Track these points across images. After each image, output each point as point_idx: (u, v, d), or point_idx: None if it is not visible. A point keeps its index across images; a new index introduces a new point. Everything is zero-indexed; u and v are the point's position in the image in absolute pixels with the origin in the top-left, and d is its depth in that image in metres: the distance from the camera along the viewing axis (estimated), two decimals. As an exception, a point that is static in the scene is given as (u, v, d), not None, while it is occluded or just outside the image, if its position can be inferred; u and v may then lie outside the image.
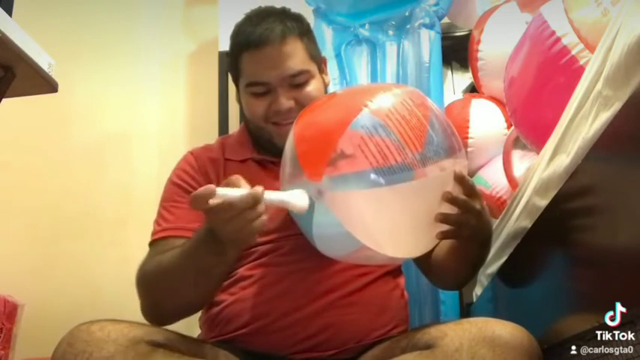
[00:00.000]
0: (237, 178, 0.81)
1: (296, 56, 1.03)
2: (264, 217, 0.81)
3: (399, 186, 0.80)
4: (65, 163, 2.53)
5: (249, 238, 0.84)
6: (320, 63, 1.10)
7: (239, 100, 1.11)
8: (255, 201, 0.78)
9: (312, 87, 1.05)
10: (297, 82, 1.03)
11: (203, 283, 0.96)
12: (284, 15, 1.06)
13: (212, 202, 0.76)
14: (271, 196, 0.80)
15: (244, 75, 1.05)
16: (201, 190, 0.76)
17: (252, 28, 1.03)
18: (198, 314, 1.09)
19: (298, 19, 1.08)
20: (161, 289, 0.96)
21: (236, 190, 0.78)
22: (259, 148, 1.12)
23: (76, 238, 2.44)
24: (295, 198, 0.82)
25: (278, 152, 0.94)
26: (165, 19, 2.71)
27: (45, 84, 1.45)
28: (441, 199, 0.84)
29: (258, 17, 1.05)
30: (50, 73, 1.45)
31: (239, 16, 1.13)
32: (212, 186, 0.77)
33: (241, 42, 1.04)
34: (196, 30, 2.68)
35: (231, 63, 1.09)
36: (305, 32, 1.07)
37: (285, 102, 1.01)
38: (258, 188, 0.79)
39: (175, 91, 2.63)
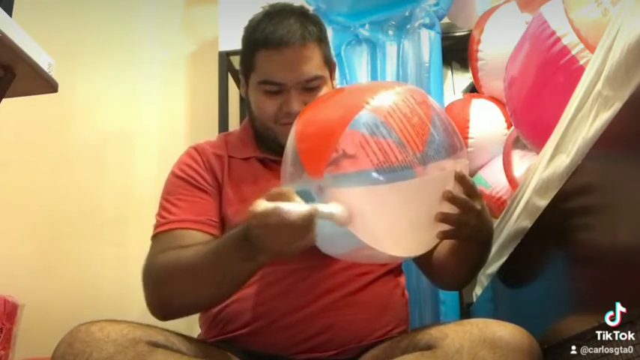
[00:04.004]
0: (290, 191, 0.79)
1: (313, 61, 1.03)
2: (316, 235, 0.79)
3: (399, 184, 0.80)
4: (65, 163, 2.54)
5: (294, 253, 0.82)
6: (332, 69, 1.10)
7: (245, 94, 1.10)
8: (312, 220, 0.77)
9: (324, 92, 1.04)
10: (310, 86, 1.03)
11: (227, 285, 0.92)
12: (304, 17, 1.05)
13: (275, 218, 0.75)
14: (320, 210, 0.78)
15: (258, 72, 1.04)
16: (269, 205, 0.76)
17: (273, 27, 1.01)
18: (199, 314, 1.09)
19: (317, 23, 1.07)
20: (179, 286, 0.93)
21: (297, 206, 0.76)
22: (262, 147, 1.11)
23: (76, 238, 2.44)
24: (338, 211, 0.79)
25: (282, 151, 0.94)
26: (165, 19, 2.71)
27: (45, 84, 1.45)
28: (442, 198, 0.84)
29: (280, 16, 1.03)
30: (50, 73, 1.45)
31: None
32: (277, 202, 0.76)
33: (259, 39, 1.03)
34: (196, 30, 2.68)
35: (244, 57, 1.08)
36: (323, 37, 1.07)
37: (297, 106, 1.01)
38: (314, 206, 0.77)
39: (175, 91, 2.63)
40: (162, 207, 1.05)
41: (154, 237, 1.03)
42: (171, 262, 0.94)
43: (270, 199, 0.78)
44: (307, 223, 0.76)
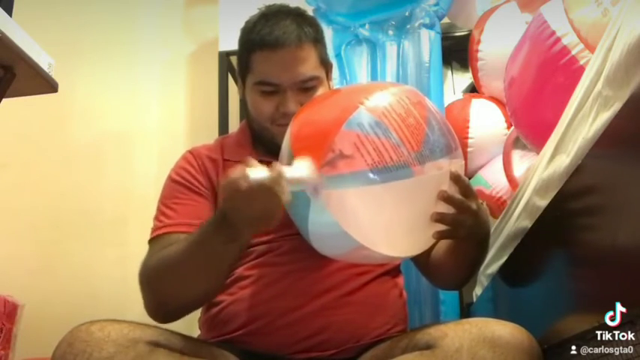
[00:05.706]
0: (255, 162, 0.81)
1: (309, 62, 1.03)
2: (289, 192, 0.80)
3: (394, 184, 0.80)
4: (65, 163, 2.54)
5: (275, 215, 0.82)
6: (328, 69, 1.10)
7: (242, 95, 1.11)
8: (280, 177, 0.78)
9: (320, 93, 1.04)
10: (306, 86, 1.03)
11: (214, 271, 0.95)
12: (301, 18, 1.06)
13: (243, 183, 0.77)
14: (288, 173, 0.80)
15: (254, 73, 1.04)
16: (236, 173, 0.78)
17: (269, 28, 1.02)
18: (198, 315, 1.09)
19: (313, 24, 1.08)
20: (169, 283, 0.95)
21: (262, 170, 0.78)
22: (259, 149, 1.11)
23: (76, 238, 2.44)
24: (306, 171, 0.81)
25: (279, 152, 0.94)
26: (165, 19, 2.71)
27: (45, 84, 1.45)
28: (437, 198, 0.85)
29: (276, 17, 1.04)
30: (50, 73, 1.45)
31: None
32: (244, 168, 0.78)
33: (255, 40, 1.03)
34: (196, 30, 2.68)
35: (241, 57, 1.08)
36: (319, 38, 1.07)
37: (294, 106, 1.01)
38: (279, 166, 0.80)
39: (175, 91, 2.63)
40: (159, 211, 1.07)
41: (151, 241, 1.04)
42: (159, 263, 0.96)
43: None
44: (276, 183, 0.78)
